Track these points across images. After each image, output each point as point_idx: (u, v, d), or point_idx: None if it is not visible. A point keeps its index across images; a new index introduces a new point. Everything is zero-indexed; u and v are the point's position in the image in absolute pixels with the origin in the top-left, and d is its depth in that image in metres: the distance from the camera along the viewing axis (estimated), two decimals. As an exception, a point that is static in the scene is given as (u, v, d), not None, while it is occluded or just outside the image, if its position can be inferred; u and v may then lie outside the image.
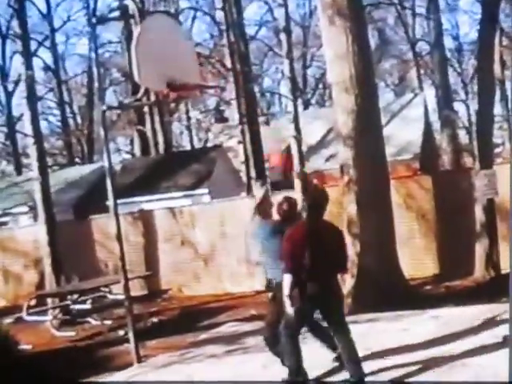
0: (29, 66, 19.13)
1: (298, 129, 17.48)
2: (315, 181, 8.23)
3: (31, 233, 21.28)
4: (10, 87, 44.91)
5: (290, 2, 44.23)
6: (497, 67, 24.98)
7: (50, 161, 43.77)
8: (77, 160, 49.07)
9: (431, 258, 16.73)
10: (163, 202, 24.97)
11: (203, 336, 12.49)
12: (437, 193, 16.80)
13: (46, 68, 47.51)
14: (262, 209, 8.76)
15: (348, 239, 14.04)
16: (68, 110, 50.30)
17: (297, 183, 17.34)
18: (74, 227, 21.77)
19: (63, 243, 18.98)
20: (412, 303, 12.26)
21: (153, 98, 17.68)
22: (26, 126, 19.77)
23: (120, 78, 48.77)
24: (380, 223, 14.02)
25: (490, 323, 9.85)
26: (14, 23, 20.33)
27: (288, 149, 21.95)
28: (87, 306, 17.30)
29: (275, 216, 8.72)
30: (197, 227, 19.47)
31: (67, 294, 17.37)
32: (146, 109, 36.21)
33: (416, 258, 16.39)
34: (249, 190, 26.02)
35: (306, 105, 54.17)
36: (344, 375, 7.84)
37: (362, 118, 13.93)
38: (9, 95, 45.78)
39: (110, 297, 17.65)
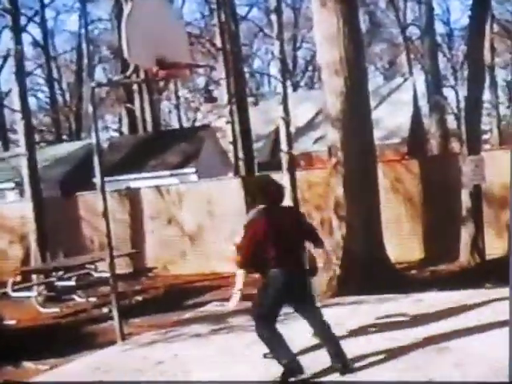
0: (18, 41, 19.05)
1: (286, 110, 17.44)
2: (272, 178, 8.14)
3: (17, 209, 21.25)
4: (-1, 62, 44.63)
5: (282, -18, 44.01)
6: (487, 54, 25.05)
7: (37, 137, 43.64)
8: (64, 137, 48.87)
9: (417, 242, 16.82)
10: (150, 181, 24.94)
11: (188, 315, 12.51)
12: (424, 177, 16.87)
13: (36, 44, 47.27)
14: None
15: (335, 222, 14.13)
16: (57, 86, 50.09)
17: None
18: (61, 204, 21.74)
19: (49, 219, 18.97)
20: (397, 287, 12.30)
21: (142, 75, 17.64)
22: (14, 101, 19.70)
23: (109, 55, 48.51)
24: (367, 206, 14.05)
25: (474, 308, 9.90)
26: (4, -2, 20.19)
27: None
28: (72, 282, 17.28)
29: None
30: (184, 206, 19.48)
31: (52, 271, 17.37)
32: (135, 87, 36.05)
33: (402, 241, 16.47)
34: (236, 171, 26.00)
35: (296, 87, 54.16)
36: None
37: (351, 100, 13.93)
38: (-3, 70, 45.52)
39: (95, 274, 17.64)
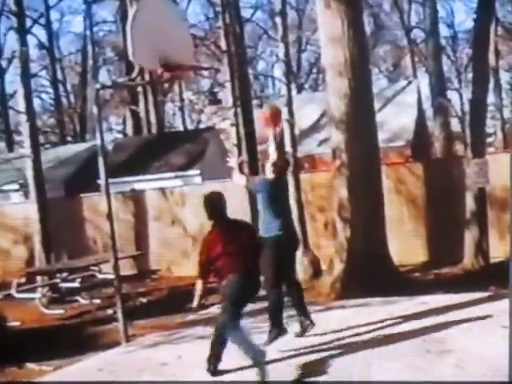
0: (23, 43, 19.07)
1: (291, 112, 17.43)
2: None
3: (22, 210, 21.27)
4: (4, 64, 44.67)
5: (287, -15, 44.01)
6: (491, 56, 25.04)
7: (42, 139, 43.65)
8: (69, 138, 48.95)
9: (421, 244, 16.81)
10: (154, 183, 24.96)
11: (192, 317, 12.50)
12: (428, 180, 16.86)
13: (41, 46, 47.39)
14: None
15: (338, 224, 14.13)
16: (61, 88, 50.17)
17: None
18: (65, 205, 21.77)
19: (53, 221, 18.98)
20: (401, 289, 12.30)
21: (147, 77, 17.64)
22: (19, 102, 19.69)
23: (114, 57, 48.60)
24: (370, 208, 14.05)
25: (478, 311, 9.89)
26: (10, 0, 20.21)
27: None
28: (76, 284, 17.31)
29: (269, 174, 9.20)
30: (187, 208, 19.48)
31: (56, 272, 17.38)
32: (139, 88, 36.09)
33: (406, 244, 16.44)
34: (240, 173, 25.92)
35: (300, 89, 54.14)
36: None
37: (355, 102, 13.94)
38: (2, 72, 45.54)
39: (100, 276, 17.67)
